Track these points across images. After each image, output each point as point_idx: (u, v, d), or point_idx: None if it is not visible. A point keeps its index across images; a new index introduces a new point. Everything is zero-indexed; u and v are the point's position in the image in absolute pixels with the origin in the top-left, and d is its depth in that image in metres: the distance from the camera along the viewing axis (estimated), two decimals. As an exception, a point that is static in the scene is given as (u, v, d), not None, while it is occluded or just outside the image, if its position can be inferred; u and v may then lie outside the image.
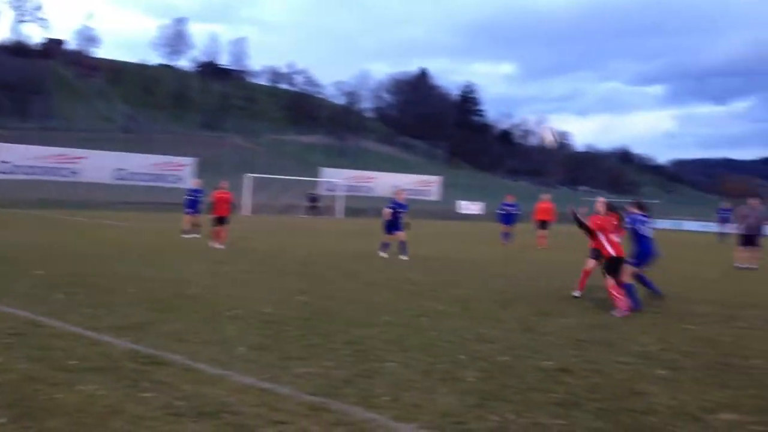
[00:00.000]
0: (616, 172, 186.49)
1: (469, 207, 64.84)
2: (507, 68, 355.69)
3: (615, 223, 11.59)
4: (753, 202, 20.78)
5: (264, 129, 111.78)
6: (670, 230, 50.30)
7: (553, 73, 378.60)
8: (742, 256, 19.92)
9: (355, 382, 6.25)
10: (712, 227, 43.72)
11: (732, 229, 31.72)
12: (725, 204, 41.60)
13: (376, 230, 31.57)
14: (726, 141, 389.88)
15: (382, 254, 18.45)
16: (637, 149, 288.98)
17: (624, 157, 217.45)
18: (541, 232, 25.47)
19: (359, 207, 56.49)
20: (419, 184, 59.68)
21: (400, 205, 18.89)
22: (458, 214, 62.06)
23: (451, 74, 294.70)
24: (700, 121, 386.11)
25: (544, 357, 7.56)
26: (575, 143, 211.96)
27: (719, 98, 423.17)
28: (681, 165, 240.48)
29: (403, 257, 17.83)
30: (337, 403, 5.64)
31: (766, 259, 20.42)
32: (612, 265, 11.31)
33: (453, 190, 69.59)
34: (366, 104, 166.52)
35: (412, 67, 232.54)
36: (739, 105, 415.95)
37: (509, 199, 27.46)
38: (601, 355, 7.77)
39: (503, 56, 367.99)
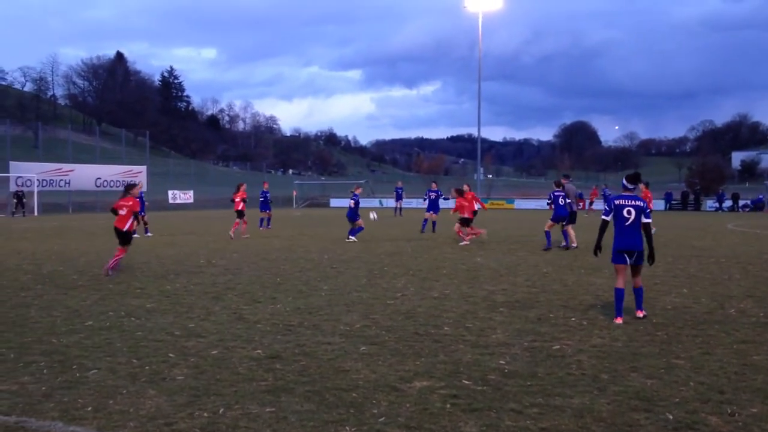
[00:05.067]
0: (324, 154, 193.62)
1: (180, 196, 63.37)
2: (209, 53, 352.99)
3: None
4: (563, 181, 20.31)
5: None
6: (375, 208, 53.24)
7: (255, 57, 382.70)
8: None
9: (56, 396, 5.87)
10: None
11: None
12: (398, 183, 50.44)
13: (76, 227, 29.76)
14: (418, 122, 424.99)
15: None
16: (341, 131, 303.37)
17: (330, 139, 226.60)
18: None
19: (57, 202, 52.61)
20: (124, 175, 56.89)
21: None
22: (169, 204, 60.36)
23: (151, 59, 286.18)
24: (395, 103, 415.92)
25: (254, 346, 7.68)
26: (282, 127, 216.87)
27: (410, 82, 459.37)
28: (381, 145, 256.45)
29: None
30: (35, 420, 5.26)
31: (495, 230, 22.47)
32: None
33: (161, 180, 67.39)
34: (58, 91, 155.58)
35: (107, 51, 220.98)
36: (427, 89, 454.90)
37: (265, 186, 29.53)
38: (309, 338, 8.07)
39: (205, 41, 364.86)
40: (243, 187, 24.33)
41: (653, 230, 17.98)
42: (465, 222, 21.08)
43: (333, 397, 5.81)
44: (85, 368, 6.75)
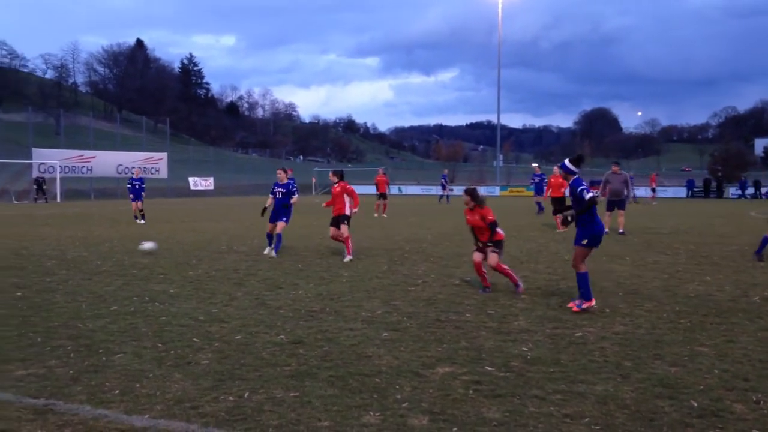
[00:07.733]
0: (342, 141, 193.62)
1: (201, 183, 63.69)
2: (228, 40, 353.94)
3: None
4: (614, 168, 20.39)
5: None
6: (395, 195, 53.21)
7: (273, 45, 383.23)
8: (607, 221, 19.88)
9: (83, 379, 5.95)
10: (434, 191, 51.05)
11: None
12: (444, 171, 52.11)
13: (98, 213, 30.02)
14: (437, 108, 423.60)
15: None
16: (360, 118, 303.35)
17: (348, 126, 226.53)
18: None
19: (79, 189, 53.07)
20: (145, 162, 57.27)
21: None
22: (190, 190, 60.70)
23: (170, 46, 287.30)
24: (413, 90, 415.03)
25: (277, 331, 7.73)
26: (301, 114, 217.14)
27: (427, 69, 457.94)
28: (400, 132, 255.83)
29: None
30: (63, 403, 5.34)
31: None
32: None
33: (182, 167, 67.73)
34: (79, 78, 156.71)
35: (127, 38, 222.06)
36: (445, 75, 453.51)
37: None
38: (331, 324, 8.11)
39: (224, 28, 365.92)
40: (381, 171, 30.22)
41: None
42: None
43: (356, 382, 5.85)
44: (111, 352, 6.83)
